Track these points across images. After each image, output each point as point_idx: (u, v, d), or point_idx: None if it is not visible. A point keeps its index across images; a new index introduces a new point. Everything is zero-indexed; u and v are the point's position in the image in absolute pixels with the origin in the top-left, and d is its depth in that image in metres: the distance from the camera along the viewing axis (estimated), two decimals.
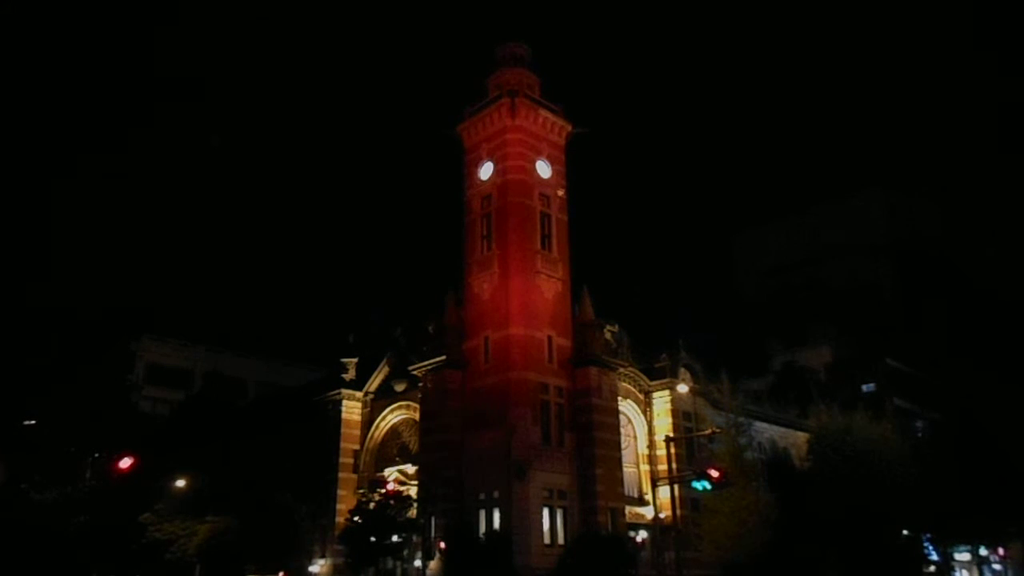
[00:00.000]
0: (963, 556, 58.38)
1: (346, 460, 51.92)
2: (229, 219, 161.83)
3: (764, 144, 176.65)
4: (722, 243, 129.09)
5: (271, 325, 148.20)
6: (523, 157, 47.68)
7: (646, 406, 50.06)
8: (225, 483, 46.51)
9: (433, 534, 41.74)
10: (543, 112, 49.29)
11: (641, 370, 50.10)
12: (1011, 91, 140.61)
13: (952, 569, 56.68)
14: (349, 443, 52.40)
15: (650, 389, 50.18)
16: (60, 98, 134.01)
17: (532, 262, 45.87)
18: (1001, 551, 58.91)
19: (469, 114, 50.37)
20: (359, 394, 53.25)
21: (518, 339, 43.83)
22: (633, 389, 49.52)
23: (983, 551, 58.52)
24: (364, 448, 52.30)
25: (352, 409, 53.16)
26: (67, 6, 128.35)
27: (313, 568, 49.18)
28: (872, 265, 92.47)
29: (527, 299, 44.93)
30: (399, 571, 44.51)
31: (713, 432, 40.99)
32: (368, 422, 52.93)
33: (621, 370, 47.73)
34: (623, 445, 47.15)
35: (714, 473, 33.44)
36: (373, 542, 39.85)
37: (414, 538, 42.00)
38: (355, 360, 53.92)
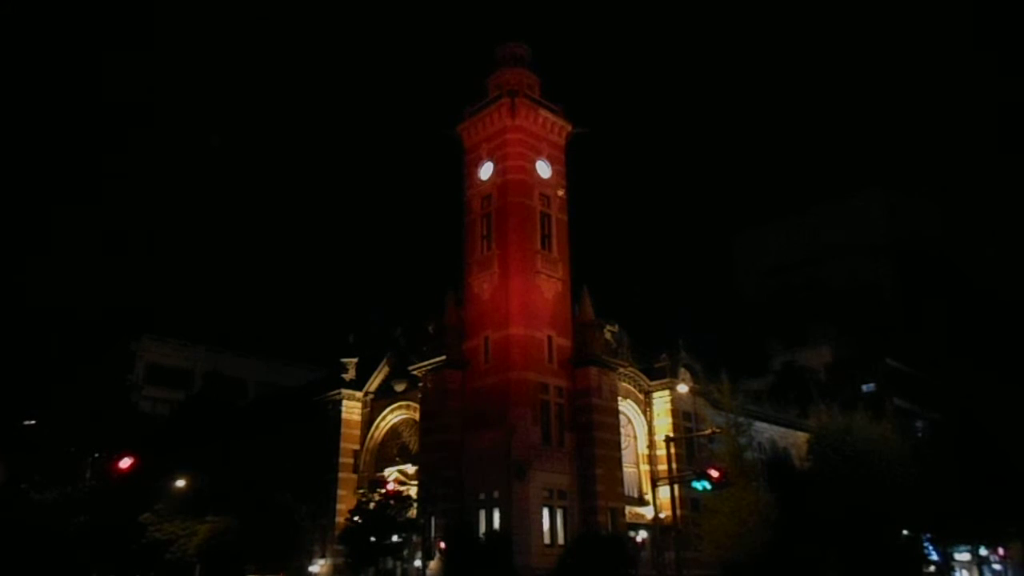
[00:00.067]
0: (963, 556, 58.36)
1: (346, 460, 51.92)
2: (229, 219, 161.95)
3: (764, 144, 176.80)
4: (722, 243, 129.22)
5: (271, 325, 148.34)
6: (523, 157, 47.68)
7: (646, 406, 50.07)
8: (225, 483, 46.51)
9: (433, 534, 41.73)
10: (543, 112, 49.29)
11: (641, 370, 50.10)
12: (1011, 91, 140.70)
13: (952, 569, 56.67)
14: (349, 443, 52.40)
15: (650, 389, 50.18)
16: (60, 98, 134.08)
17: (532, 262, 45.87)
18: (1001, 551, 58.89)
19: (469, 114, 50.37)
20: (359, 394, 53.25)
21: (518, 339, 43.83)
22: (633, 389, 49.53)
23: (983, 551, 58.49)
24: (364, 448, 52.31)
25: (352, 409, 53.16)
26: (67, 6, 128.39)
27: (313, 568, 49.19)
28: (872, 265, 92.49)
29: (527, 299, 44.93)
30: (399, 571, 44.51)
31: (713, 432, 40.99)
32: (368, 422, 52.93)
33: (621, 370, 47.73)
34: (623, 445, 47.15)
35: (714, 473, 33.45)
36: (373, 542, 39.86)
37: (414, 538, 42.01)
38: (355, 360, 53.92)
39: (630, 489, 47.08)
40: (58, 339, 53.49)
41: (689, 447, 47.05)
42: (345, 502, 48.74)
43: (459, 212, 49.86)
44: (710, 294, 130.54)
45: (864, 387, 71.85)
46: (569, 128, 50.67)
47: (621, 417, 47.62)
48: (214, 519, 42.70)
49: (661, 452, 46.38)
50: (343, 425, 52.50)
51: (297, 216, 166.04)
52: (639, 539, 45.39)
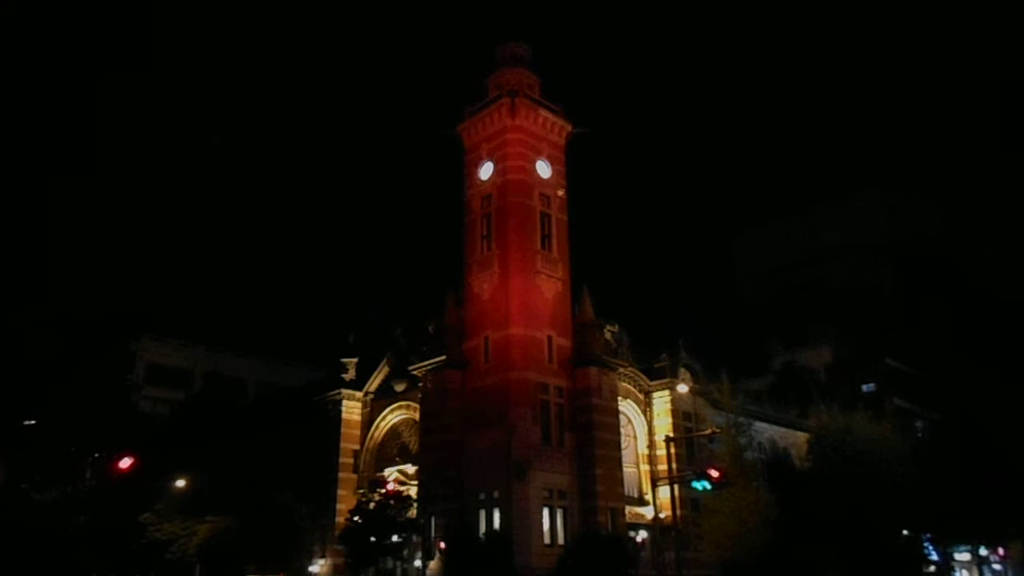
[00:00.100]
0: (963, 556, 58.34)
1: (346, 460, 51.92)
2: (229, 219, 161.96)
3: (764, 144, 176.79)
4: (722, 243, 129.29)
5: (271, 325, 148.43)
6: (523, 157, 47.67)
7: (646, 406, 50.06)
8: (225, 483, 46.49)
9: (433, 534, 41.73)
10: (543, 112, 49.28)
11: (641, 370, 50.09)
12: (1011, 91, 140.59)
13: (952, 569, 56.66)
14: (349, 443, 52.40)
15: (650, 389, 50.17)
16: (61, 97, 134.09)
17: (532, 262, 45.86)
18: (1001, 551, 58.88)
19: (469, 114, 50.37)
20: (359, 394, 53.25)
21: (518, 339, 43.82)
22: (633, 389, 49.52)
23: (983, 551, 58.46)
24: (364, 448, 52.31)
25: (352, 409, 53.16)
26: (67, 6, 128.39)
27: (313, 568, 49.18)
28: (872, 265, 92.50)
29: (527, 299, 44.92)
30: (399, 571, 44.52)
31: (713, 432, 40.99)
32: (368, 422, 52.93)
33: (621, 370, 47.73)
34: (623, 445, 47.15)
35: (714, 473, 33.46)
36: (373, 542, 39.85)
37: (414, 538, 42.01)
38: (355, 360, 53.92)
39: (630, 489, 47.08)
40: (58, 339, 53.41)
41: (689, 447, 47.04)
42: (345, 502, 48.74)
43: (459, 212, 49.89)
44: (710, 294, 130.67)
45: (864, 387, 71.86)
46: (569, 128, 50.67)
47: (621, 417, 47.62)
48: (214, 519, 42.69)
49: (661, 452, 46.38)
50: (343, 425, 52.51)
51: (297, 216, 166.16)
52: (639, 539, 45.39)
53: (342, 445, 52.00)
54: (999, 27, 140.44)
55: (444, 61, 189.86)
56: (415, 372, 47.52)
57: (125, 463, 33.32)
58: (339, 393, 52.86)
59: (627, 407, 48.90)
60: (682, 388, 47.27)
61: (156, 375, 74.73)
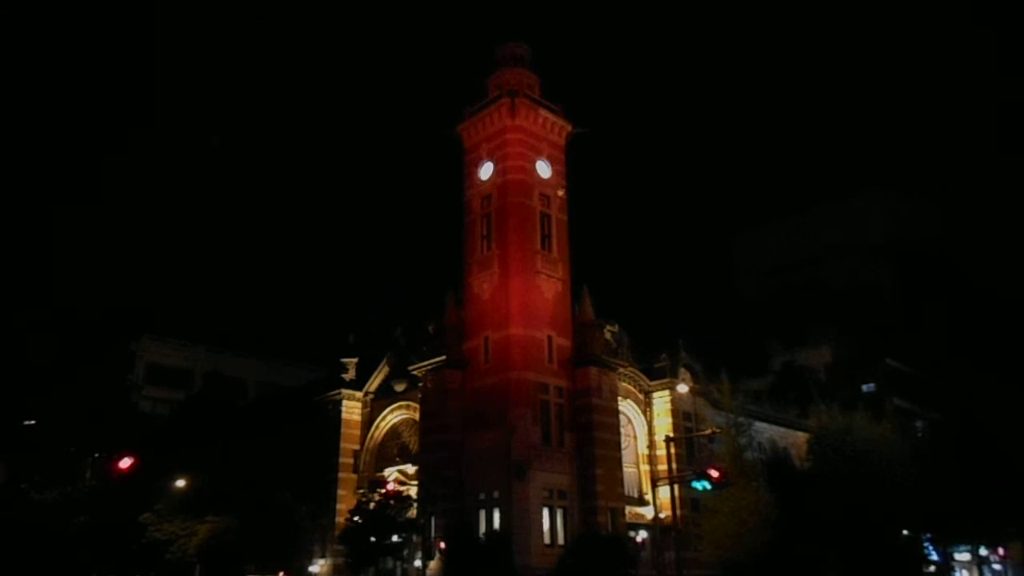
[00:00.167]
0: (963, 556, 58.35)
1: (346, 460, 51.89)
2: (229, 219, 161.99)
3: (764, 144, 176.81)
4: (722, 243, 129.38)
5: (271, 325, 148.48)
6: (523, 157, 47.66)
7: (646, 406, 50.05)
8: (225, 483, 46.47)
9: (433, 534, 41.72)
10: (543, 112, 49.27)
11: (641, 370, 50.08)
12: (1011, 91, 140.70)
13: (952, 569, 56.67)
14: (349, 443, 52.38)
15: (650, 389, 50.16)
16: (61, 97, 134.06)
17: (532, 262, 45.85)
18: (1001, 551, 58.89)
19: (469, 114, 50.35)
20: (359, 394, 53.23)
21: (518, 339, 43.81)
22: (633, 389, 49.51)
23: (983, 551, 58.48)
24: (364, 448, 52.29)
25: (352, 409, 53.14)
26: (66, 5, 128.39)
27: (313, 568, 49.17)
28: (872, 265, 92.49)
29: (527, 299, 44.91)
30: (399, 571, 44.52)
31: (713, 432, 40.97)
32: (368, 422, 52.92)
33: (621, 370, 47.72)
34: (623, 445, 47.13)
35: (714, 473, 33.46)
36: (373, 542, 39.85)
37: (414, 538, 42.00)
38: (355, 360, 53.90)
39: (630, 489, 47.07)
40: (58, 339, 53.42)
41: (689, 447, 47.03)
42: (345, 502, 48.73)
43: (459, 212, 49.87)
44: (710, 294, 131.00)
45: (864, 387, 71.85)
46: (569, 128, 50.65)
47: (621, 417, 47.61)
48: (214, 519, 42.68)
49: (661, 452, 46.35)
50: (343, 425, 52.48)
51: (297, 216, 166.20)
52: (639, 539, 45.38)
53: (342, 445, 51.98)
54: (999, 27, 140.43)
55: (444, 61, 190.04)
56: (415, 372, 47.51)
57: (125, 463, 33.33)
58: (339, 393, 52.84)
59: (627, 407, 48.88)
60: (682, 388, 47.25)
61: (156, 375, 74.73)
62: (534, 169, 48.08)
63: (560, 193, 49.21)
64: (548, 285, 46.24)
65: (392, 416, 51.96)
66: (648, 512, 47.27)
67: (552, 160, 49.37)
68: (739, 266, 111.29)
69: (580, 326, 46.47)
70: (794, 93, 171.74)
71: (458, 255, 48.90)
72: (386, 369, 52.76)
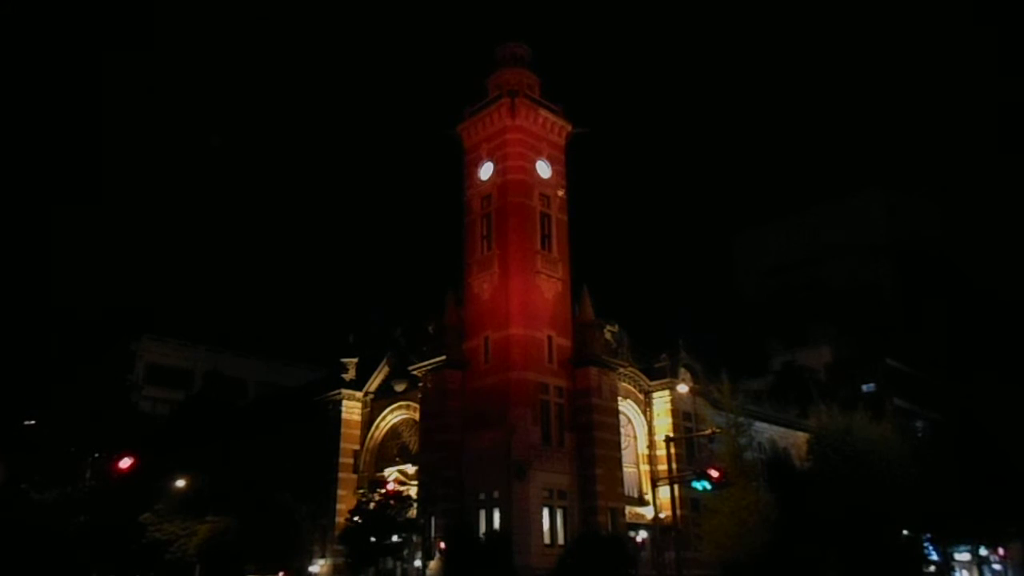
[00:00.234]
0: (963, 556, 58.35)
1: (346, 460, 51.89)
2: (229, 219, 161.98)
3: (764, 144, 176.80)
4: (722, 243, 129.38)
5: (271, 325, 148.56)
6: (523, 157, 47.66)
7: (646, 406, 50.05)
8: (225, 483, 46.51)
9: (433, 534, 41.73)
10: (543, 112, 49.27)
11: (641, 370, 50.08)
12: (1011, 91, 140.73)
13: (952, 569, 56.68)
14: (349, 443, 52.38)
15: (650, 389, 50.16)
16: (61, 98, 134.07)
17: (532, 262, 45.85)
18: (1001, 551, 58.87)
19: (469, 114, 50.35)
20: (359, 394, 53.23)
21: (518, 339, 43.81)
22: (633, 389, 49.51)
23: (983, 551, 58.47)
24: (364, 448, 52.29)
25: (352, 409, 53.14)
26: (66, 5, 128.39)
27: (313, 568, 49.17)
28: (872, 265, 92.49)
29: (527, 299, 44.92)
30: (399, 571, 44.53)
31: (713, 432, 40.99)
32: (368, 422, 52.92)
33: (621, 370, 47.72)
34: (623, 445, 47.14)
35: (714, 473, 33.47)
36: (373, 542, 39.85)
37: (414, 538, 42.02)
38: (355, 360, 53.89)
39: (630, 489, 47.07)
40: (58, 339, 53.42)
41: (689, 447, 47.04)
42: (345, 502, 48.73)
43: (459, 212, 49.88)
44: (710, 294, 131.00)
45: (864, 387, 71.85)
46: (569, 128, 50.65)
47: (621, 417, 47.60)
48: (214, 519, 42.71)
49: (661, 452, 46.35)
50: (343, 425, 52.48)
51: (297, 216, 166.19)
52: (639, 539, 45.38)
53: (342, 445, 51.97)
54: (999, 27, 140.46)
55: (444, 61, 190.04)
56: (415, 372, 47.51)
57: (125, 463, 33.35)
58: (339, 393, 52.84)
59: (627, 407, 48.89)
60: (682, 388, 47.25)
61: (156, 375, 74.75)
62: (534, 169, 48.08)
63: (560, 193, 49.22)
64: (548, 285, 46.25)
65: (392, 416, 51.96)
66: (648, 512, 47.27)
67: (552, 160, 49.38)
68: (739, 266, 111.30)
69: (580, 326, 46.48)
70: (793, 93, 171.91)
71: (458, 255, 48.95)
72: (386, 369, 52.76)
